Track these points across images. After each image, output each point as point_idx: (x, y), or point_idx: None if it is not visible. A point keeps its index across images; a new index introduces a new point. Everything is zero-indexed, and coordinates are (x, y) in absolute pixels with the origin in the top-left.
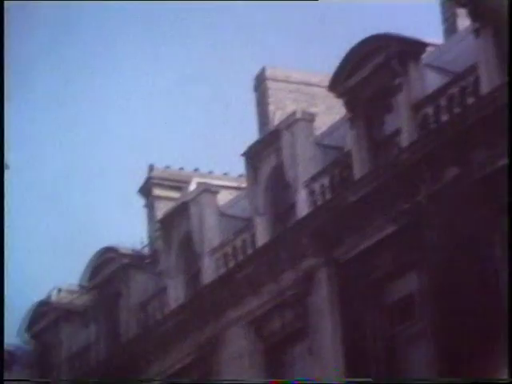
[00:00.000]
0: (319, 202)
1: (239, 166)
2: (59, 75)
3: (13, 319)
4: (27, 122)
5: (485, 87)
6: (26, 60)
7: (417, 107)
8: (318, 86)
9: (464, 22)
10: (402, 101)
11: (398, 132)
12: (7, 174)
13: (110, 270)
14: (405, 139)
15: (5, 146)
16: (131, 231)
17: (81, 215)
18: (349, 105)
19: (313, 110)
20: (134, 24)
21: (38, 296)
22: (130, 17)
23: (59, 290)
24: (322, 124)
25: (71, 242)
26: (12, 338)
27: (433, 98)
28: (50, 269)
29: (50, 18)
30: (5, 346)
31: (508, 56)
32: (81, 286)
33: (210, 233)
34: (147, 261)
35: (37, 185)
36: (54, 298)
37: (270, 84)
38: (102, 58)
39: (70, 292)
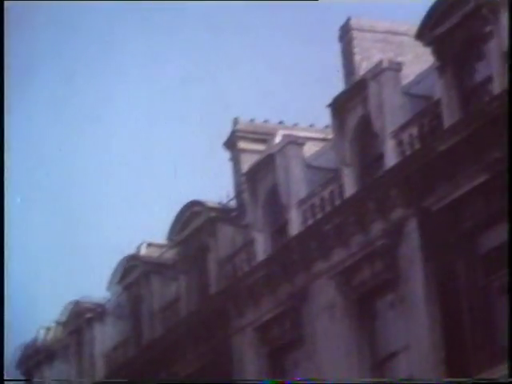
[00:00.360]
0: (408, 152)
1: (325, 118)
2: (59, 75)
3: (12, 320)
4: (27, 122)
5: None
6: (26, 60)
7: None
8: (406, 34)
9: None
10: (493, 48)
11: (489, 80)
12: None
13: (197, 223)
14: (496, 87)
15: (5, 146)
16: (217, 185)
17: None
18: (437, 53)
19: (400, 59)
20: (135, 22)
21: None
22: (131, 16)
23: (149, 244)
24: (410, 73)
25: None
26: (102, 292)
27: None
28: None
29: (50, 17)
30: (95, 299)
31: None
32: (169, 240)
33: (297, 185)
34: (234, 214)
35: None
36: (143, 252)
37: (356, 34)
38: (103, 57)
39: (159, 246)
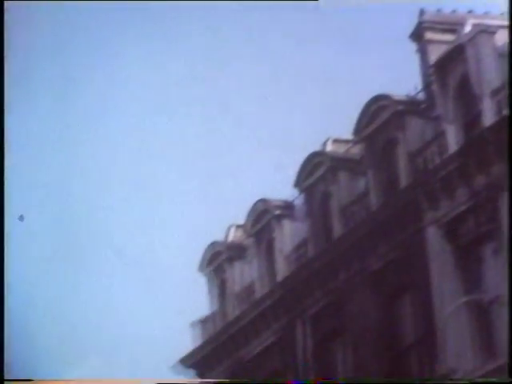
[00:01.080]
0: None
1: None
2: (59, 75)
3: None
4: (27, 121)
5: None
6: (27, 60)
7: None
8: None
9: None
10: None
11: None
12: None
13: (383, 117)
14: None
15: (5, 146)
16: (404, 78)
17: None
18: None
19: None
20: (135, 22)
21: None
22: (130, 15)
23: (334, 140)
24: None
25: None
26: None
27: None
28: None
29: (50, 17)
30: (283, 197)
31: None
32: (355, 135)
33: (489, 74)
34: (422, 106)
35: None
36: (329, 148)
37: None
38: (103, 57)
39: (345, 141)
